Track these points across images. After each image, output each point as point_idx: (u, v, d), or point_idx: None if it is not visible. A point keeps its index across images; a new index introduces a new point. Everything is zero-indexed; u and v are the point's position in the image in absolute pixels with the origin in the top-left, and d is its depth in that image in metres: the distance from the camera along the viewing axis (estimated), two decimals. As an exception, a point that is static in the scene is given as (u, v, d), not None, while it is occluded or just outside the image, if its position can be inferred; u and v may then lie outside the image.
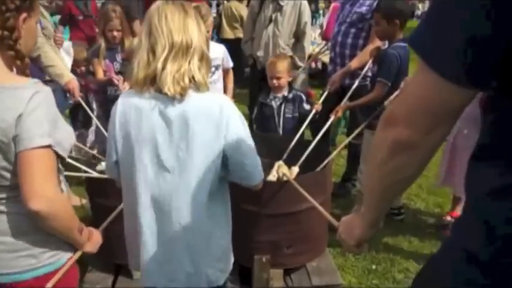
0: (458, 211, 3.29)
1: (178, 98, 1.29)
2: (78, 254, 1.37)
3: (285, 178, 2.29)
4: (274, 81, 2.97)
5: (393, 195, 1.00)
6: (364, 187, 1.04)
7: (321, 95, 3.46)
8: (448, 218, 3.27)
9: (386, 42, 2.92)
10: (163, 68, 1.28)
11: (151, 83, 1.31)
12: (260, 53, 4.04)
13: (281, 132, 3.03)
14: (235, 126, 1.36)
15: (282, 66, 2.93)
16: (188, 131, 1.31)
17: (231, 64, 3.37)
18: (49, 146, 1.17)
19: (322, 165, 2.42)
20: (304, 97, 3.02)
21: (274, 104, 3.05)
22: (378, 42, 2.98)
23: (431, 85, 0.75)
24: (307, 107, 2.98)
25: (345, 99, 2.95)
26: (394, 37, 2.74)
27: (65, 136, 1.26)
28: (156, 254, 1.39)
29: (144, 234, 1.38)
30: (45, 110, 1.18)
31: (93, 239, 1.40)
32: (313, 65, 7.27)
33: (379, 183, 0.93)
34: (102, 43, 3.05)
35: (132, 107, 1.34)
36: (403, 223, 3.29)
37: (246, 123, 1.43)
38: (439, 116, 0.78)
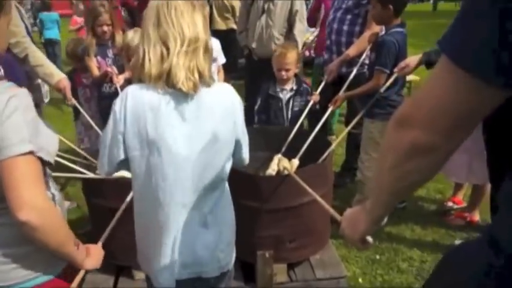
0: (460, 196, 3.28)
1: (192, 93, 1.30)
2: (82, 273, 1.31)
3: (285, 172, 2.25)
4: (283, 73, 2.87)
5: (403, 195, 0.97)
6: (372, 183, 1.00)
7: (318, 84, 3.40)
8: (449, 204, 3.26)
9: (383, 28, 2.87)
10: (177, 63, 1.27)
11: (166, 78, 1.29)
12: (254, 45, 3.98)
13: (288, 125, 2.97)
14: (241, 114, 1.42)
15: (292, 57, 2.85)
16: (206, 126, 1.33)
17: (222, 61, 3.34)
18: (31, 152, 1.10)
19: (323, 157, 2.38)
20: (309, 89, 2.96)
21: (283, 96, 2.98)
22: (375, 28, 2.92)
23: (457, 84, 0.70)
24: (309, 98, 2.93)
25: (343, 89, 2.89)
26: (390, 22, 2.68)
27: (48, 140, 1.19)
28: (178, 248, 1.39)
29: (167, 230, 1.37)
30: (23, 114, 1.11)
31: (93, 255, 1.33)
32: (306, 53, 7.21)
33: (389, 184, 0.90)
34: (90, 39, 2.96)
35: (146, 103, 1.29)
36: (405, 211, 3.26)
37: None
38: (463, 118, 0.73)
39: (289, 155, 2.60)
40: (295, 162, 2.45)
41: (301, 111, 2.91)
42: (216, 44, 3.26)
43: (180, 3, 1.30)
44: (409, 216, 3.21)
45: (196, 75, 1.29)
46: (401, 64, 2.48)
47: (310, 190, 1.94)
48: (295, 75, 2.97)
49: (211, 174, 1.38)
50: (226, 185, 1.51)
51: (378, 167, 0.98)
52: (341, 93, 2.86)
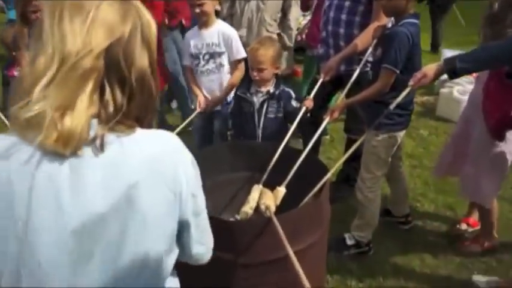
0: (475, 216, 2.79)
1: (96, 150, 0.78)
2: None
3: (267, 213, 1.71)
4: (255, 73, 2.35)
5: None
6: None
7: (311, 83, 2.86)
8: (463, 227, 2.77)
9: (392, 19, 2.32)
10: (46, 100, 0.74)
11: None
12: (242, 32, 3.41)
13: (260, 133, 2.45)
14: (193, 181, 0.90)
15: (266, 54, 2.30)
16: (128, 204, 0.80)
17: (239, 55, 2.69)
18: None
19: (316, 188, 1.85)
20: (292, 94, 2.41)
21: (256, 100, 2.45)
22: (383, 20, 2.36)
23: None
24: (295, 104, 2.38)
25: (343, 94, 2.34)
26: (405, 12, 2.14)
27: None
28: None
29: None
30: None
31: None
32: (298, 37, 6.65)
33: None
34: (21, 28, 2.35)
35: (13, 166, 0.76)
36: (411, 234, 2.78)
37: (200, 177, 0.93)
38: None
39: (275, 178, 2.08)
40: (281, 191, 1.93)
41: (276, 119, 2.40)
42: (226, 34, 2.68)
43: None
44: (417, 240, 2.72)
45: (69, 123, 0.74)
46: (418, 75, 1.91)
47: (286, 245, 1.44)
48: (276, 75, 2.42)
49: (131, 276, 0.83)
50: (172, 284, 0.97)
51: None
52: (339, 100, 2.31)
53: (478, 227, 2.73)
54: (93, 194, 0.77)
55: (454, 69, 1.81)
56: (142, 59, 0.82)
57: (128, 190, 0.79)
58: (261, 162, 2.20)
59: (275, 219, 1.54)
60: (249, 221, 1.81)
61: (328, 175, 1.86)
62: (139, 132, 0.83)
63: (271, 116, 2.40)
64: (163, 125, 2.98)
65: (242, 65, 2.70)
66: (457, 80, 4.99)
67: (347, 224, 2.70)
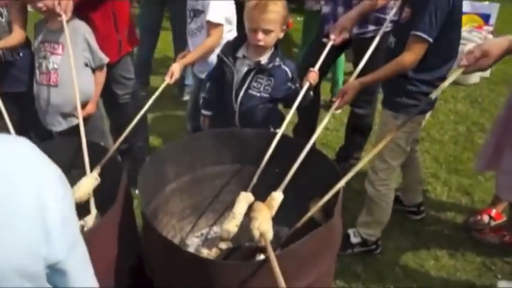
0: (499, 208, 2.41)
1: None
2: None
3: (262, 241, 1.27)
4: (259, 36, 1.76)
5: None
6: None
7: (310, 47, 2.33)
8: (485, 219, 2.39)
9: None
10: None
11: None
12: None
13: (237, 110, 1.91)
14: (62, 208, 0.69)
15: (279, 11, 1.75)
16: None
17: (210, 16, 2.13)
18: None
19: (325, 198, 1.40)
20: (289, 74, 1.85)
21: (240, 67, 1.92)
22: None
23: None
24: (293, 86, 1.87)
25: (358, 70, 1.83)
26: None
27: None
28: None
29: None
30: None
31: None
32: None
33: None
34: None
35: None
36: (423, 225, 2.41)
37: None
38: None
39: (267, 172, 1.64)
40: (277, 198, 1.48)
41: (260, 98, 1.87)
42: None
43: None
44: (430, 234, 2.35)
45: None
46: (476, 52, 1.35)
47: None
48: (275, 45, 1.86)
49: None
50: None
51: None
52: (352, 77, 1.80)
53: (503, 220, 2.37)
54: None
55: None
56: None
57: None
58: (251, 152, 1.74)
59: (273, 255, 1.10)
60: (238, 263, 1.37)
61: (342, 183, 1.41)
62: None
63: (254, 92, 1.86)
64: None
65: (218, 31, 2.16)
66: (468, 36, 4.48)
67: (350, 214, 2.31)
